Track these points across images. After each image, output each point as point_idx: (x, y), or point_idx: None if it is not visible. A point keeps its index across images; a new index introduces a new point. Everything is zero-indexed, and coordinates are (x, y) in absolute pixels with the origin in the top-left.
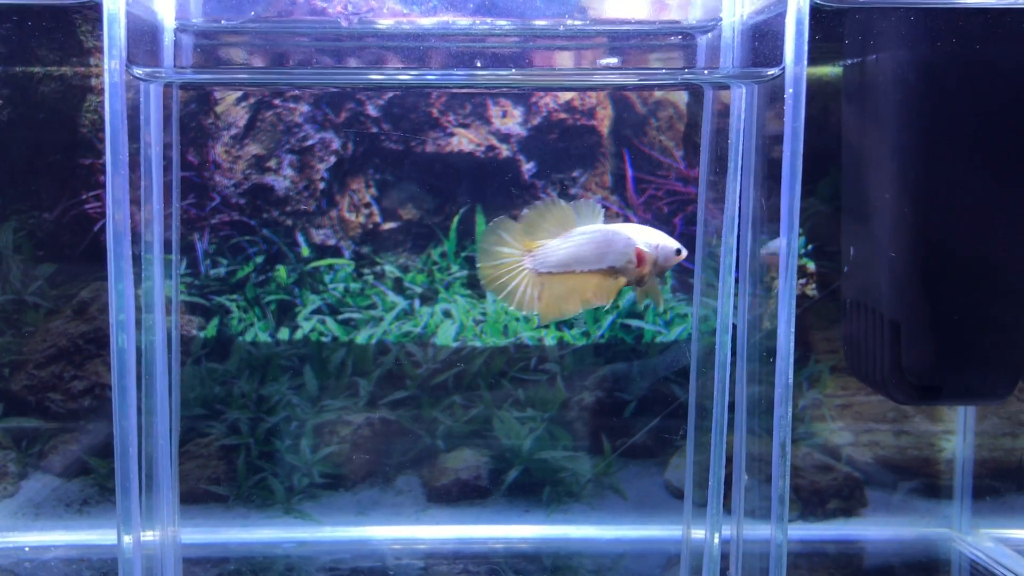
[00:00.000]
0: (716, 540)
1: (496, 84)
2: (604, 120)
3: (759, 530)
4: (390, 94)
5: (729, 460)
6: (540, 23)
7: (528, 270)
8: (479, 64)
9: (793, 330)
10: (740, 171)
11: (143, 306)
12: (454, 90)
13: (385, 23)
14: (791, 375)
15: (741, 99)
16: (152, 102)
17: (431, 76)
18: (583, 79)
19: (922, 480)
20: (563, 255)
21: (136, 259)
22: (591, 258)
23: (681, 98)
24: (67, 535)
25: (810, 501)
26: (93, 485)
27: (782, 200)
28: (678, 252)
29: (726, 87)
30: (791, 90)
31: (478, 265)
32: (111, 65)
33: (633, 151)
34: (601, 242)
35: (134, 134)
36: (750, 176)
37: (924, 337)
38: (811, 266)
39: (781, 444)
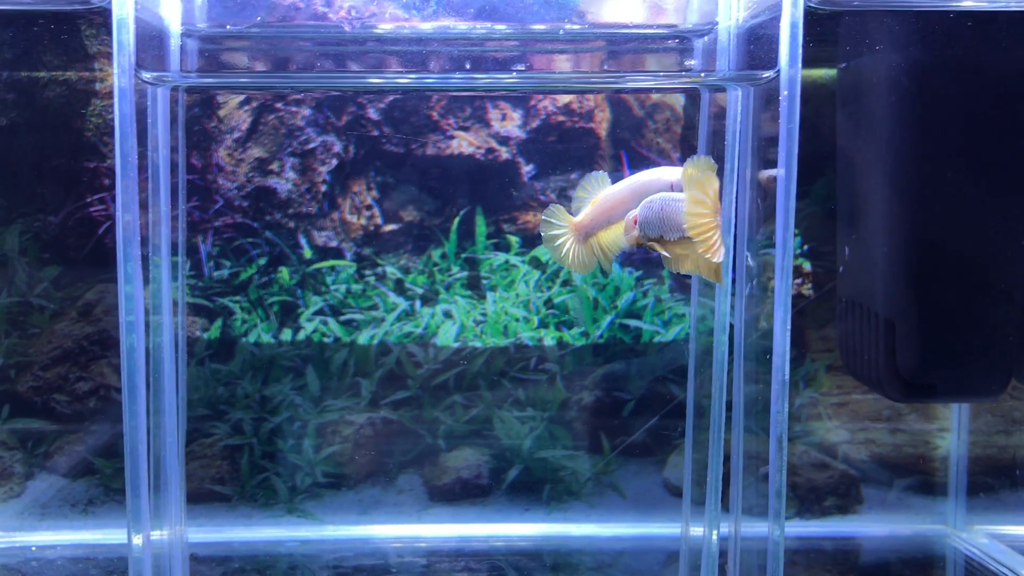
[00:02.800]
0: (714, 537)
1: (495, 87)
2: (602, 123)
3: (756, 527)
4: (391, 97)
5: (727, 458)
6: (539, 27)
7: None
8: (479, 68)
9: (789, 327)
10: (737, 172)
11: (150, 308)
12: (454, 93)
13: (386, 27)
14: (787, 371)
15: (737, 101)
16: (160, 105)
17: (430, 80)
18: (582, 83)
19: (917, 477)
20: None
21: (143, 261)
22: None
23: (678, 101)
24: (73, 535)
25: (807, 499)
26: (98, 485)
27: (777, 201)
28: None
29: (722, 89)
30: (786, 92)
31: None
32: (120, 70)
33: (631, 153)
34: None
35: (141, 137)
36: (746, 177)
37: (918, 336)
38: (807, 266)
39: (778, 439)
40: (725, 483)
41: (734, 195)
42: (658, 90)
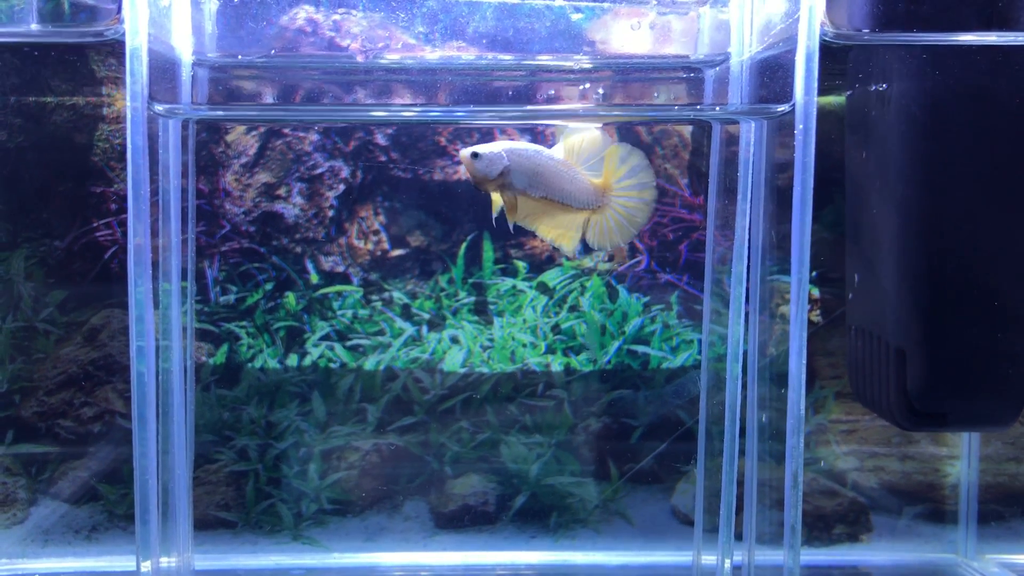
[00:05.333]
0: (727, 565)
1: (506, 120)
2: None
3: (768, 555)
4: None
5: (739, 485)
6: (547, 58)
7: None
8: (487, 99)
9: (805, 360)
10: (750, 201)
11: (160, 333)
12: (463, 125)
13: (395, 58)
14: (803, 406)
15: (750, 132)
16: (171, 135)
17: (435, 112)
18: (591, 116)
19: (927, 505)
20: None
21: (153, 286)
22: None
23: (686, 127)
24: (76, 562)
25: (815, 526)
26: (102, 511)
27: (793, 232)
28: (474, 156)
29: (735, 122)
30: (801, 126)
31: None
32: (133, 99)
33: None
34: None
35: (151, 164)
36: (759, 205)
37: (929, 364)
38: (815, 292)
39: (793, 474)
40: (737, 510)
41: (747, 222)
42: (671, 121)
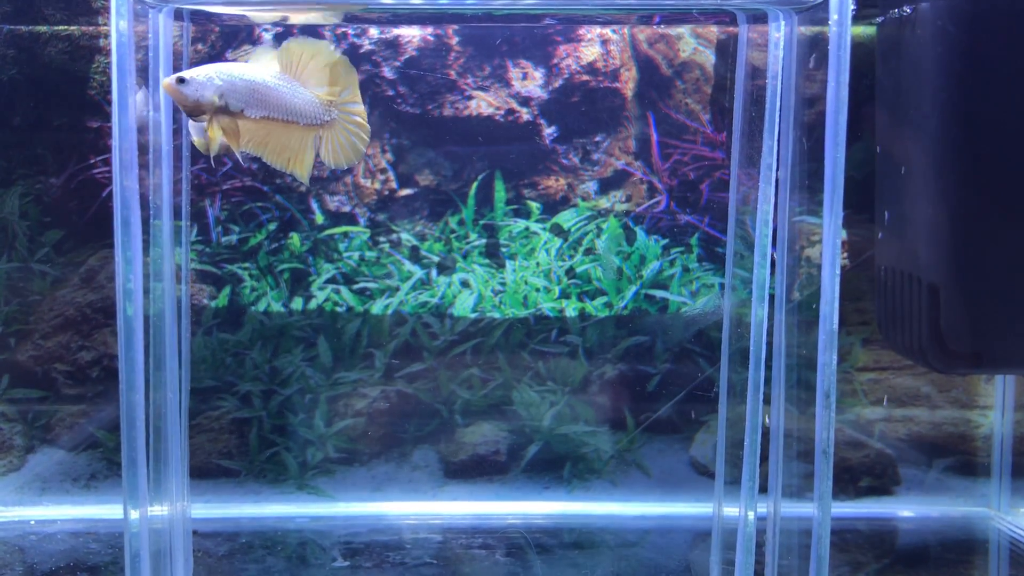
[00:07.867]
0: (751, 516)
1: (513, 10)
2: (628, 82)
3: (792, 507)
4: (406, 55)
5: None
6: None
7: None
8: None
9: (839, 272)
10: (779, 127)
11: (152, 274)
12: (468, 10)
13: None
14: (836, 320)
15: (779, 35)
16: (162, 38)
17: (444, 2)
18: (605, 5)
19: (958, 457)
20: None
21: (144, 224)
22: None
23: (708, 60)
24: (74, 509)
25: (841, 479)
26: (101, 459)
27: (827, 131)
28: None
29: (763, 21)
30: (836, 16)
31: None
32: None
33: (658, 114)
34: None
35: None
36: (787, 141)
37: (965, 301)
38: (842, 235)
39: (825, 393)
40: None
41: (775, 151)
42: (691, 10)
